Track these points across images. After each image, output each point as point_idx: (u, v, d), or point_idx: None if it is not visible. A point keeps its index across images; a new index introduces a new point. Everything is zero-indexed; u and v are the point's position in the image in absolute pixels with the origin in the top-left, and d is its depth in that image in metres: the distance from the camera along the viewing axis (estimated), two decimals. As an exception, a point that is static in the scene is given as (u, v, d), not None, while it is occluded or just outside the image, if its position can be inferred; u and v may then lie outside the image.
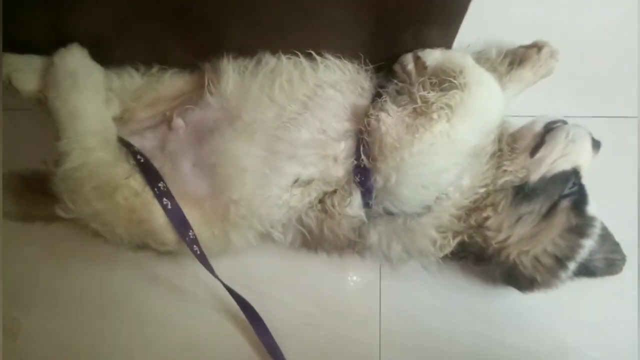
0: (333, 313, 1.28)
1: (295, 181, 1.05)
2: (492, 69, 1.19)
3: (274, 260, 1.29)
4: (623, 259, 1.14)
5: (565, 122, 1.14)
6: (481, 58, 1.22)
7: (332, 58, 1.12)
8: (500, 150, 1.10)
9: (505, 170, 1.08)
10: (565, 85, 1.31)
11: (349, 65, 1.13)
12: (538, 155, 1.08)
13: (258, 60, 1.11)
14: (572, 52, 1.28)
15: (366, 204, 1.07)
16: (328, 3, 0.97)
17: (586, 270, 1.11)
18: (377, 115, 1.00)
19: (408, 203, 1.03)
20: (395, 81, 1.09)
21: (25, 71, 1.09)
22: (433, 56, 1.08)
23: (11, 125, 1.27)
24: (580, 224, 1.04)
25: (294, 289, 1.31)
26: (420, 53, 1.09)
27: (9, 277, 1.30)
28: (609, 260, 1.14)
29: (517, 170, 1.07)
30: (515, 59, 1.23)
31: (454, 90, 0.99)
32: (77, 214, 1.04)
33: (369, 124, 1.02)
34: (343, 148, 1.06)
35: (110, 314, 1.31)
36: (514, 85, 1.21)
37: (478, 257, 1.10)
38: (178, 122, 1.11)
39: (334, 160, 1.06)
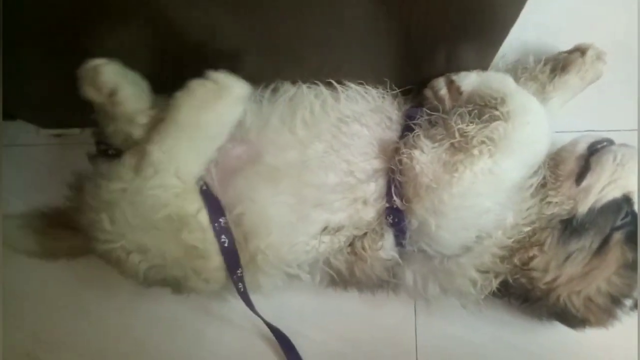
0: (366, 353, 1.20)
1: (324, 229, 0.96)
2: (532, 77, 1.10)
3: (304, 297, 1.22)
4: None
5: (611, 142, 1.03)
6: (518, 67, 1.12)
7: (354, 85, 1.02)
8: (543, 178, 0.99)
9: (550, 202, 0.98)
10: (610, 94, 1.20)
11: (373, 92, 1.03)
12: (584, 183, 0.98)
13: (275, 89, 1.03)
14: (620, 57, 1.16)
15: (399, 244, 0.98)
16: (346, 19, 0.86)
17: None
18: (410, 153, 0.91)
19: (447, 246, 0.94)
20: (427, 110, 0.98)
21: (140, 86, 0.98)
22: (469, 80, 0.98)
23: (25, 162, 1.28)
24: (637, 258, 0.93)
25: (324, 326, 1.23)
26: (455, 77, 0.99)
27: (31, 317, 1.28)
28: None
29: (562, 201, 0.98)
30: (557, 65, 1.12)
31: (497, 122, 0.89)
32: (116, 240, 0.94)
33: (400, 163, 0.93)
34: (373, 190, 0.97)
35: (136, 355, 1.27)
36: (560, 94, 1.11)
37: (523, 298, 1.01)
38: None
39: (363, 203, 0.97)
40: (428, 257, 1.00)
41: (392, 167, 0.95)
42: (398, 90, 1.05)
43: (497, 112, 0.90)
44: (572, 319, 0.98)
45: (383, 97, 1.04)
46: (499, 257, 0.96)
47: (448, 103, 0.98)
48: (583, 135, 1.06)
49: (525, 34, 1.19)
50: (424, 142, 0.92)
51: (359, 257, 0.99)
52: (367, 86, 1.04)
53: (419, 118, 0.98)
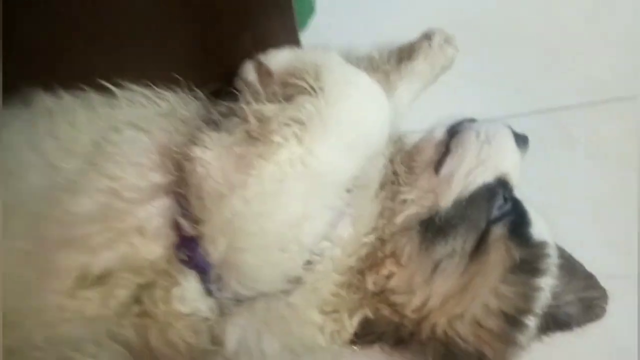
0: None
1: (82, 278, 0.65)
2: (375, 68, 0.89)
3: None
4: (603, 296, 0.78)
5: (473, 120, 0.81)
6: (361, 59, 0.91)
7: (139, 89, 0.77)
8: (394, 174, 0.75)
9: (404, 201, 0.72)
10: (485, 83, 1.03)
11: (168, 95, 0.77)
12: (444, 170, 0.74)
13: (26, 100, 0.74)
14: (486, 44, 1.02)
15: (208, 291, 0.68)
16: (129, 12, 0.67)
17: (556, 322, 0.75)
18: (188, 153, 0.64)
19: (261, 279, 0.65)
20: (225, 103, 0.73)
21: None
22: (279, 58, 0.75)
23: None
24: (528, 256, 0.68)
25: None
26: (263, 58, 0.76)
27: None
28: (584, 301, 0.78)
29: (420, 197, 0.72)
30: (403, 55, 0.93)
31: (304, 97, 0.64)
32: None
33: (182, 169, 0.65)
34: (153, 214, 0.68)
35: None
36: (407, 82, 0.92)
37: (395, 338, 0.72)
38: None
39: (140, 234, 0.67)
40: (253, 305, 0.70)
41: (177, 179, 0.68)
42: (204, 92, 0.81)
43: (306, 86, 0.66)
44: (463, 357, 0.69)
45: (181, 100, 0.78)
46: (344, 285, 0.68)
47: (260, 90, 0.74)
48: (441, 122, 0.83)
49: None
50: (209, 136, 0.66)
51: (152, 319, 0.68)
52: (160, 88, 0.79)
53: (212, 113, 0.73)
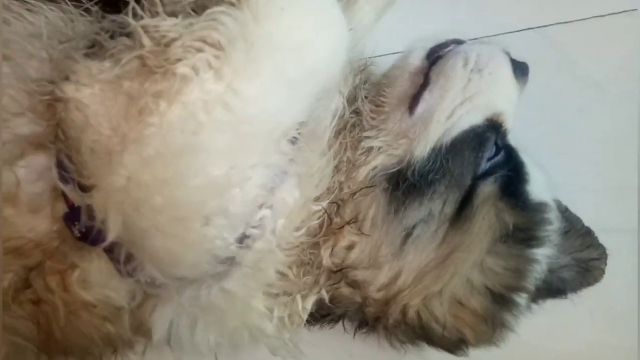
0: None
1: None
2: None
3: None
4: (602, 256, 0.65)
5: (460, 42, 0.63)
6: None
7: None
8: (356, 114, 0.57)
9: (368, 149, 0.55)
10: None
11: (45, 9, 0.56)
12: (420, 107, 0.56)
13: None
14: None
15: (125, 272, 0.51)
16: None
17: (549, 289, 0.62)
18: (61, 91, 0.44)
19: (178, 262, 0.48)
20: (114, 17, 0.52)
21: None
22: None
23: None
24: (523, 221, 0.53)
25: None
26: None
27: None
28: (581, 263, 0.65)
29: (389, 143, 0.56)
30: None
31: (222, 8, 0.44)
32: None
33: (54, 115, 0.47)
34: (21, 176, 0.49)
35: None
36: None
37: (358, 320, 0.58)
38: None
39: (10, 204, 0.49)
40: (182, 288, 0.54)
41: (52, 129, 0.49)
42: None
43: None
44: (439, 340, 0.56)
45: (63, 14, 0.57)
46: (292, 264, 0.53)
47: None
48: (419, 43, 0.64)
49: None
50: (86, 66, 0.46)
51: (50, 306, 0.52)
52: None
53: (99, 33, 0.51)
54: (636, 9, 0.83)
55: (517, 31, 0.82)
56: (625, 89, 0.83)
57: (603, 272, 0.68)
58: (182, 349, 0.61)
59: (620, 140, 0.80)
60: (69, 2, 0.55)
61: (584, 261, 0.67)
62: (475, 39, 0.75)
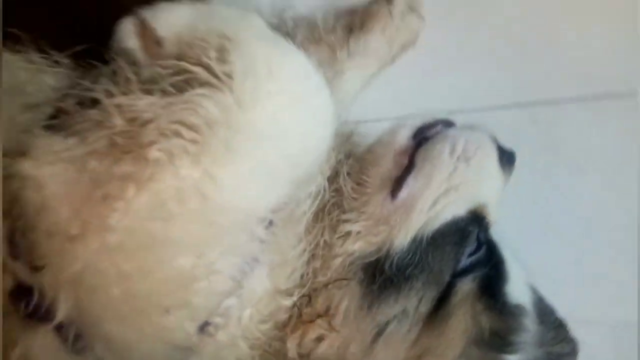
0: None
1: None
2: (316, 40, 0.65)
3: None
4: (573, 351, 0.63)
5: (449, 124, 0.61)
6: (298, 25, 0.67)
7: None
8: (337, 192, 0.55)
9: (346, 233, 0.52)
10: (459, 66, 0.81)
11: (13, 59, 0.52)
12: (403, 194, 0.54)
13: None
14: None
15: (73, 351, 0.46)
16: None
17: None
18: (19, 165, 0.40)
19: (132, 350, 0.44)
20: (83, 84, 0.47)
21: None
22: (172, 18, 0.50)
23: None
24: (499, 326, 0.52)
25: None
26: (148, 14, 0.50)
27: None
28: (552, 357, 0.63)
29: (368, 228, 0.53)
30: (354, 22, 0.69)
31: (202, 90, 0.41)
32: None
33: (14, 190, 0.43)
34: None
35: None
36: (358, 63, 0.70)
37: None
38: None
39: None
40: None
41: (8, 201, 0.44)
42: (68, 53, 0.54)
43: (208, 72, 0.42)
44: None
45: (32, 67, 0.53)
46: (255, 356, 0.50)
47: (145, 63, 0.49)
48: (408, 119, 0.62)
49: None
50: (47, 141, 0.42)
51: None
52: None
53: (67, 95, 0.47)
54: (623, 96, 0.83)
55: (502, 107, 0.81)
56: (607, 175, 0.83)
57: (574, 363, 0.66)
58: None
59: (599, 228, 0.80)
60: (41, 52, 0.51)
61: (555, 355, 0.65)
62: (461, 111, 0.74)
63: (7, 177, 0.41)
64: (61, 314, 0.42)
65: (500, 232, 0.62)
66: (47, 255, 0.41)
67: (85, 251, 0.39)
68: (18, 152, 0.41)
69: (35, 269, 0.42)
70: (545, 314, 0.64)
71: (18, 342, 0.47)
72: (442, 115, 0.64)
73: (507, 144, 0.64)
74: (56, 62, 0.51)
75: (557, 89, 0.84)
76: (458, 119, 0.66)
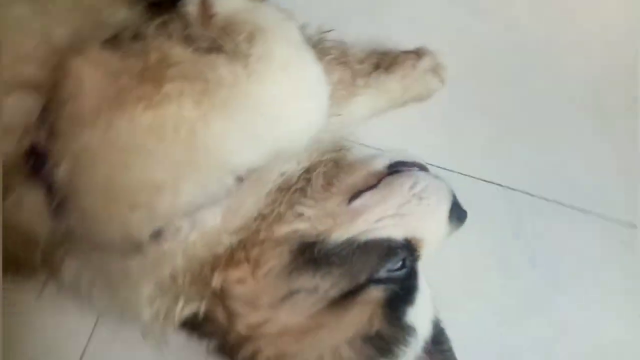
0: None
1: None
2: (344, 62, 0.78)
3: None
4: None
5: (422, 168, 0.71)
6: (333, 47, 0.80)
7: None
8: (307, 181, 0.66)
9: (299, 214, 0.63)
10: (460, 131, 0.92)
11: None
12: (358, 202, 0.64)
13: None
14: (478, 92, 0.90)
15: (54, 213, 0.59)
16: None
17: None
18: (72, 59, 0.55)
19: (99, 227, 0.56)
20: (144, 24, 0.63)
21: None
22: (229, 3, 0.64)
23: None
24: (387, 333, 0.60)
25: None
26: None
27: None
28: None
29: (318, 217, 0.63)
30: (382, 62, 0.82)
31: (220, 55, 0.56)
32: None
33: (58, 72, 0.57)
34: (9, 106, 0.58)
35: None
36: (370, 95, 0.81)
37: (219, 344, 0.64)
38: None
39: None
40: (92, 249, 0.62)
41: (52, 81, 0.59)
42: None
43: (230, 46, 0.56)
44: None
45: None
46: (186, 272, 0.61)
47: (194, 25, 0.64)
48: (391, 152, 0.74)
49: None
50: (99, 51, 0.56)
51: None
52: None
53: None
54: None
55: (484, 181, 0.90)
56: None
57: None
58: (80, 300, 0.68)
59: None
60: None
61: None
62: (444, 168, 0.84)
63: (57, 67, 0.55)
64: (57, 176, 0.54)
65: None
66: (64, 129, 0.54)
67: (91, 135, 0.52)
68: (77, 49, 0.55)
69: (52, 134, 0.55)
70: (438, 344, 0.71)
71: (15, 189, 0.60)
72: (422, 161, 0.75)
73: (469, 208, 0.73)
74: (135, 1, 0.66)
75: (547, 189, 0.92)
76: (435, 171, 0.76)
